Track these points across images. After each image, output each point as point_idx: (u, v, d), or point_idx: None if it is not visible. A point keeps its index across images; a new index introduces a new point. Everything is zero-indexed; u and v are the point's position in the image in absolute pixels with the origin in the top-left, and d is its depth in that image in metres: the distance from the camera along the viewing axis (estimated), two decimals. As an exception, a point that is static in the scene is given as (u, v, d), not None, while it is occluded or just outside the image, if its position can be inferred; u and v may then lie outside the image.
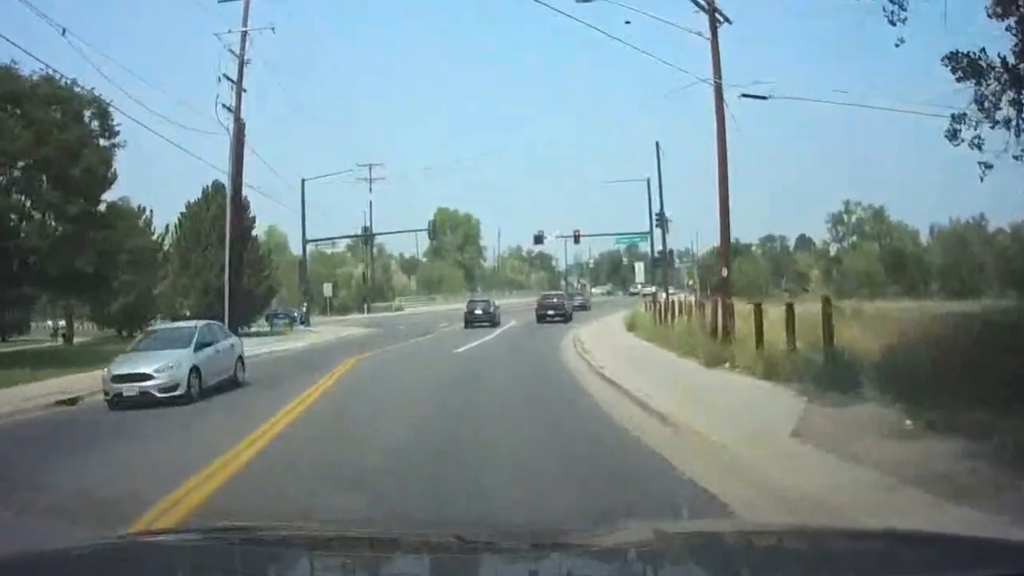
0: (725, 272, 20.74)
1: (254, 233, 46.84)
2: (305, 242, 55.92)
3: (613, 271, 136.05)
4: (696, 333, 22.68)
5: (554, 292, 58.89)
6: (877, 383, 13.25)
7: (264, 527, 3.55)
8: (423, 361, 25.07)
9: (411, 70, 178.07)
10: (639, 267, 60.54)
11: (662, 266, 46.10)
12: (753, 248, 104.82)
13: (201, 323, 18.86)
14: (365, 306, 74.47)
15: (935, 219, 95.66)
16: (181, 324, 20.54)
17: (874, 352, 14.88)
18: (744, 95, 19.76)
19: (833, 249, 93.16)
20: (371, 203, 71.95)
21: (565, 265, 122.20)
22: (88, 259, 27.15)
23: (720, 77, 20.25)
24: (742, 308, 20.48)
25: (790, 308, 16.37)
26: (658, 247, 47.10)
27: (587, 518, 6.72)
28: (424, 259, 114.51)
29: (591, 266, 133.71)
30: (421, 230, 54.15)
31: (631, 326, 34.38)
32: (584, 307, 59.40)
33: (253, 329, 46.85)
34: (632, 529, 3.44)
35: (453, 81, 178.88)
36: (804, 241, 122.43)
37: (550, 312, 46.33)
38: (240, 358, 19.02)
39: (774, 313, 17.89)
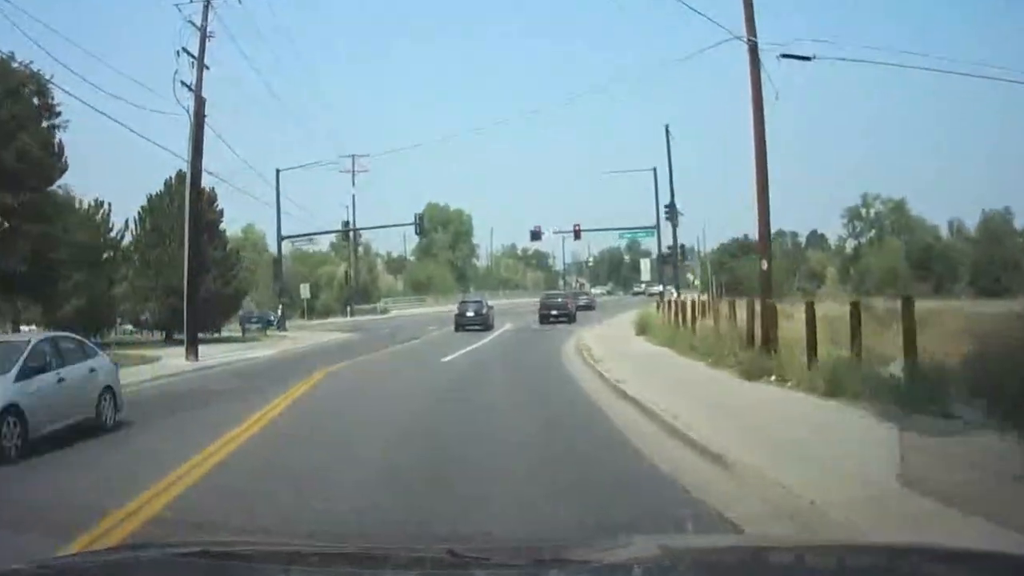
0: (765, 265, 18.09)
1: (222, 228, 44.16)
2: (280, 238, 53.27)
3: (613, 270, 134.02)
4: (726, 338, 20.05)
5: (558, 291, 58.21)
6: (974, 403, 10.93)
7: (239, 542, 3.47)
8: (404, 374, 22.29)
9: (395, 48, 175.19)
10: (645, 264, 57.89)
11: (672, 262, 43.46)
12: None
13: (39, 337, 13.59)
14: (348, 309, 71.96)
15: (954, 214, 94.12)
16: (10, 338, 15.03)
17: (951, 361, 12.52)
18: (784, 55, 17.12)
19: (849, 246, 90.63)
20: (354, 197, 69.40)
21: (563, 264, 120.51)
22: (20, 257, 24.37)
23: (755, 34, 17.63)
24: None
25: (856, 308, 13.78)
26: (667, 242, 44.38)
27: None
28: (412, 258, 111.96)
29: (590, 264, 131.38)
30: (408, 224, 51.37)
31: (642, 329, 31.79)
32: (589, 307, 58.84)
33: (225, 334, 44.29)
34: (637, 544, 3.21)
35: (444, 57, 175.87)
36: (816, 238, 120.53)
37: (554, 312, 45.61)
38: (110, 388, 13.35)
39: (801, 315, 15.38)
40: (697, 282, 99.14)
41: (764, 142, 17.58)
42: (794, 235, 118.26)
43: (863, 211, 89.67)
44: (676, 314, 30.09)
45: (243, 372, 24.42)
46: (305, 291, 53.30)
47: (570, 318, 45.38)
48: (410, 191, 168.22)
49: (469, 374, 21.03)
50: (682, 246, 59.70)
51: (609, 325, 39.44)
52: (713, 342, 20.64)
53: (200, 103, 28.40)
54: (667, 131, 42.08)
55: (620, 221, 72.32)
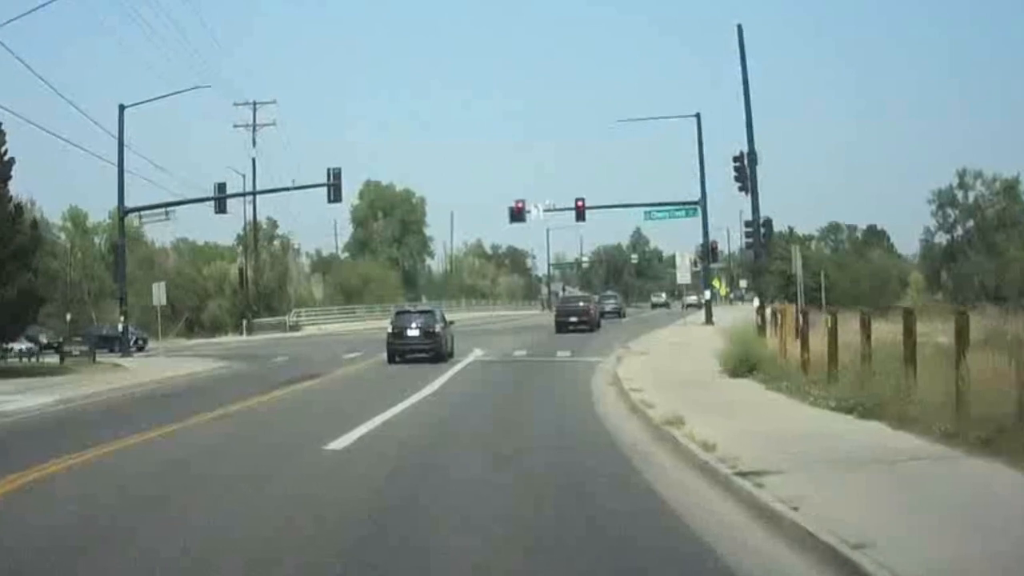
0: None
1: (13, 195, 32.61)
2: (123, 213, 41.16)
3: (614, 275, 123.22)
4: None
5: (579, 294, 60.91)
6: None
7: None
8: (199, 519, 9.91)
9: None
10: (680, 260, 46.84)
11: (756, 252, 31.73)
12: (814, 241, 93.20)
13: None
14: (244, 323, 63.03)
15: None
16: None
17: None
18: None
19: (941, 240, 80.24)
20: (254, 161, 62.47)
21: (547, 263, 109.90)
22: None
23: None
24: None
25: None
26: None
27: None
28: (346, 256, 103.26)
29: (584, 266, 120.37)
30: (315, 186, 39.09)
31: (744, 361, 20.29)
32: (618, 313, 62.61)
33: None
34: None
35: None
36: (875, 234, 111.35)
37: (572, 319, 46.35)
38: None
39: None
40: (723, 290, 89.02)
41: None
42: (852, 229, 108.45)
43: (959, 194, 78.87)
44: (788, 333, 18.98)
45: None
46: (159, 295, 41.01)
47: (592, 326, 46.20)
48: (342, 162, 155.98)
49: (380, 527, 8.75)
50: (713, 244, 48.80)
51: (657, 343, 28.30)
52: None
53: None
54: (740, 32, 30.74)
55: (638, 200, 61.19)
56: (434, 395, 20.45)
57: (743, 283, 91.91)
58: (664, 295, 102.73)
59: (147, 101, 42.17)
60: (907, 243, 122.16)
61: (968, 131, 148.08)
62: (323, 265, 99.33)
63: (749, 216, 31.28)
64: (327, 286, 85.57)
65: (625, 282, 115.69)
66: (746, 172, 33.27)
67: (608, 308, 61.85)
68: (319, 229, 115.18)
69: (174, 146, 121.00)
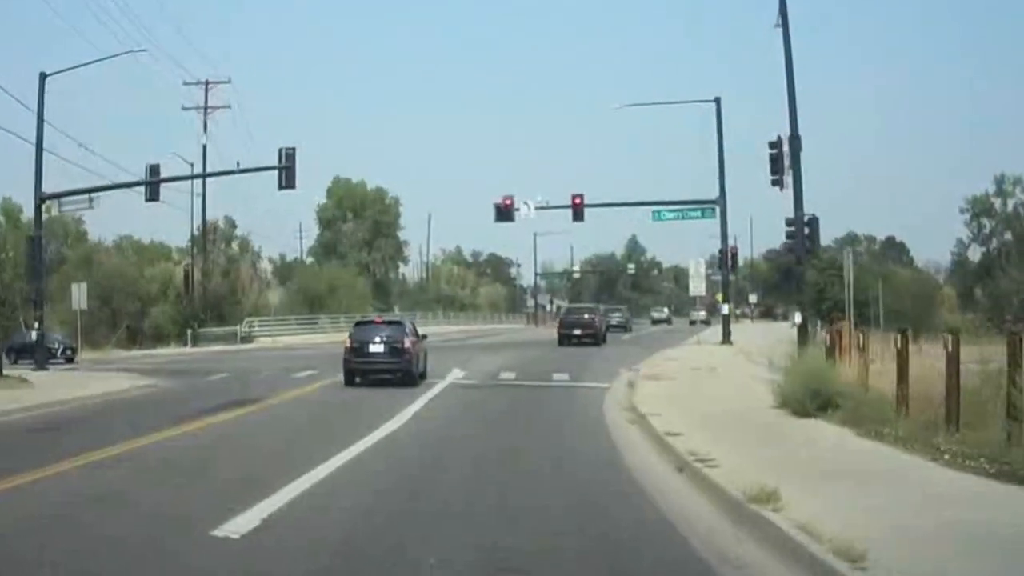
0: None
1: None
2: (39, 200, 36.93)
3: (606, 287, 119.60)
4: None
5: (585, 305, 61.35)
6: None
7: None
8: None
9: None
10: (695, 270, 43.19)
11: (798, 254, 27.80)
12: (830, 252, 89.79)
13: None
14: (190, 333, 59.52)
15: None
16: None
17: None
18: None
19: (975, 254, 76.95)
20: (205, 147, 59.03)
21: (535, 271, 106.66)
22: None
23: None
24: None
25: None
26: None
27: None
28: (311, 261, 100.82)
29: (575, 276, 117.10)
30: (264, 169, 34.94)
31: (816, 395, 16.27)
32: (624, 327, 65.07)
33: None
34: None
35: None
36: (893, 245, 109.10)
37: (576, 332, 47.26)
38: None
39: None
40: (723, 304, 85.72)
41: None
42: (871, 240, 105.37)
43: (996, 201, 75.57)
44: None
45: None
46: (79, 298, 36.74)
47: (598, 340, 47.15)
48: (311, 154, 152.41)
49: None
50: (734, 250, 45.31)
51: (668, 371, 24.68)
52: None
53: None
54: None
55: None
56: (398, 434, 16.26)
57: (752, 298, 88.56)
58: (666, 310, 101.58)
59: (72, 68, 37.80)
60: (927, 256, 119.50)
61: (1002, 134, 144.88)
62: (286, 270, 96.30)
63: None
64: (289, 293, 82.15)
65: (620, 295, 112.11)
66: (782, 162, 29.41)
67: (613, 322, 63.28)
68: (289, 233, 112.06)
69: (117, 132, 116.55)
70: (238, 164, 37.10)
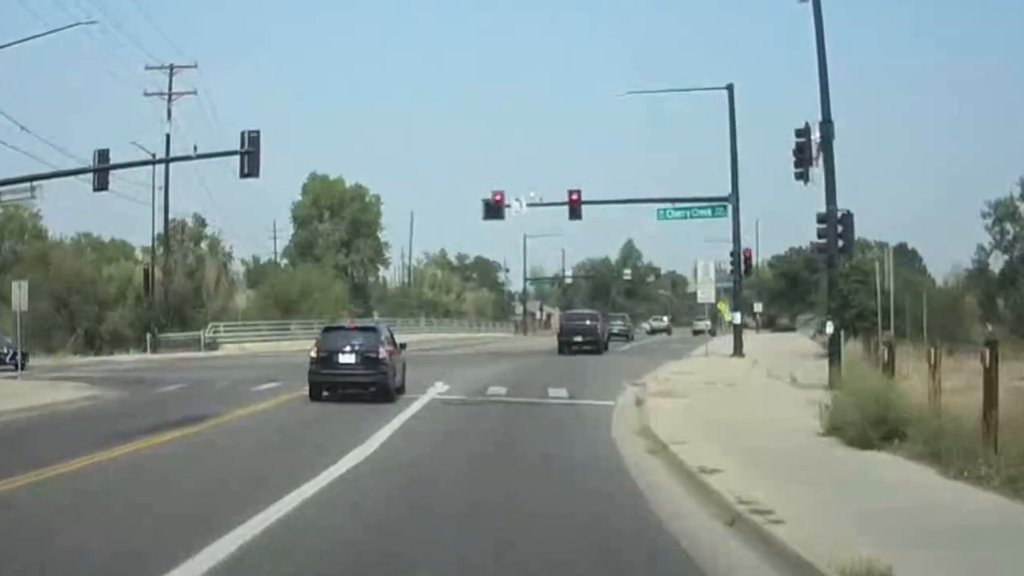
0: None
1: None
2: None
3: (599, 294, 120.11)
4: None
5: (585, 311, 60.53)
6: None
7: None
8: None
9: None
10: (705, 272, 41.10)
11: (829, 257, 25.66)
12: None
13: None
14: (149, 339, 57.88)
15: None
16: None
17: None
18: None
19: (997, 262, 75.07)
20: (168, 136, 56.70)
21: (524, 275, 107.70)
22: None
23: None
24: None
25: None
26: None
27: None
28: (286, 262, 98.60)
29: (567, 282, 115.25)
30: (224, 154, 32.81)
31: (886, 425, 13.89)
32: (626, 336, 67.01)
33: None
34: None
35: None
36: (905, 253, 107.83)
37: (577, 339, 48.00)
38: None
39: None
40: (727, 315, 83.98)
41: None
42: (881, 247, 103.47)
43: (1020, 206, 73.67)
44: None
45: None
46: (20, 298, 34.20)
47: (599, 348, 47.99)
48: (283, 151, 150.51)
49: None
50: (747, 253, 43.41)
51: (679, 387, 23.19)
52: None
53: None
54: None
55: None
56: (360, 473, 13.56)
57: (758, 306, 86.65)
58: (665, 319, 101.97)
59: (17, 42, 35.47)
60: (937, 263, 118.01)
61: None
62: (260, 273, 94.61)
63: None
64: (261, 297, 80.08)
65: (613, 302, 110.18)
66: (810, 152, 27.09)
67: (615, 330, 64.49)
68: (264, 233, 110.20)
69: (72, 119, 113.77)
70: (195, 149, 34.90)
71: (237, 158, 32.63)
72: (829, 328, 24.44)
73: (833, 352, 24.33)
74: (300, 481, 12.15)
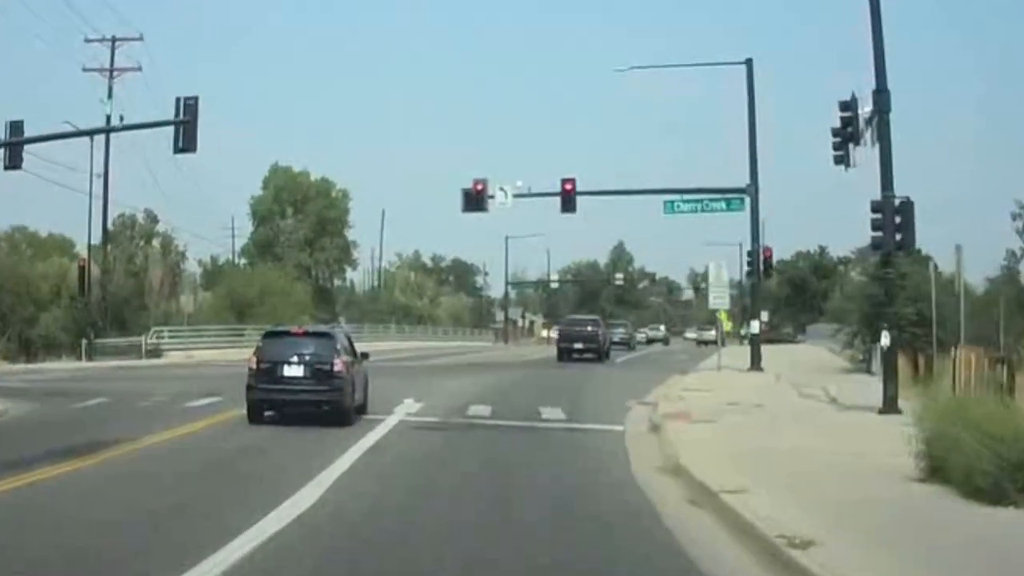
0: None
1: None
2: None
3: (587, 300, 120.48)
4: None
5: (586, 317, 61.41)
6: None
7: None
8: None
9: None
10: (718, 274, 38.72)
11: (886, 262, 22.92)
12: (849, 266, 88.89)
13: None
14: (85, 344, 55.59)
15: None
16: None
17: None
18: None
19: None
20: (108, 117, 52.18)
21: (506, 279, 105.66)
22: None
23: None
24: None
25: None
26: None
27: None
28: (244, 262, 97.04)
29: (553, 287, 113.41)
30: (154, 125, 30.14)
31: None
32: (628, 344, 68.14)
33: None
34: None
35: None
36: (917, 260, 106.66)
37: (577, 346, 49.17)
38: None
39: None
40: (728, 325, 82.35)
41: None
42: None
43: (1052, 208, 71.51)
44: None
45: None
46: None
47: (600, 355, 49.09)
48: (240, 140, 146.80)
49: None
50: (767, 253, 41.04)
51: (697, 407, 20.26)
52: None
53: None
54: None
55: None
56: (290, 544, 10.27)
57: (764, 315, 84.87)
58: (662, 327, 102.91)
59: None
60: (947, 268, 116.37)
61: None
62: (217, 273, 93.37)
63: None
64: (215, 299, 78.27)
65: (602, 308, 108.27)
66: (858, 131, 24.11)
67: (616, 338, 64.97)
68: (223, 231, 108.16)
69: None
70: (121, 119, 31.99)
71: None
72: (885, 340, 21.44)
73: (889, 368, 21.39)
74: (205, 550, 9.02)
